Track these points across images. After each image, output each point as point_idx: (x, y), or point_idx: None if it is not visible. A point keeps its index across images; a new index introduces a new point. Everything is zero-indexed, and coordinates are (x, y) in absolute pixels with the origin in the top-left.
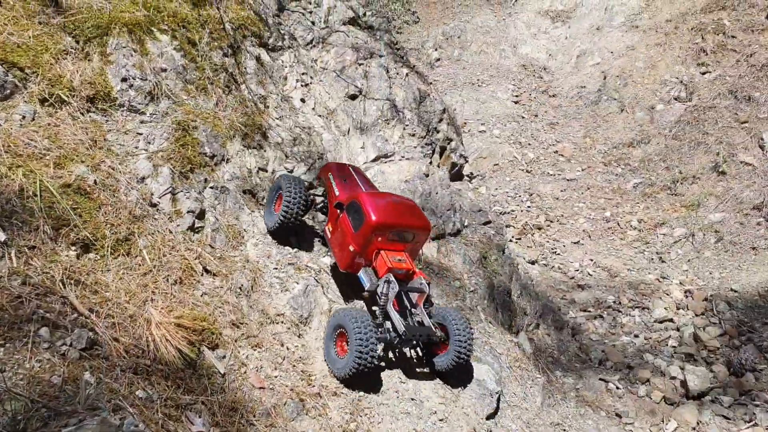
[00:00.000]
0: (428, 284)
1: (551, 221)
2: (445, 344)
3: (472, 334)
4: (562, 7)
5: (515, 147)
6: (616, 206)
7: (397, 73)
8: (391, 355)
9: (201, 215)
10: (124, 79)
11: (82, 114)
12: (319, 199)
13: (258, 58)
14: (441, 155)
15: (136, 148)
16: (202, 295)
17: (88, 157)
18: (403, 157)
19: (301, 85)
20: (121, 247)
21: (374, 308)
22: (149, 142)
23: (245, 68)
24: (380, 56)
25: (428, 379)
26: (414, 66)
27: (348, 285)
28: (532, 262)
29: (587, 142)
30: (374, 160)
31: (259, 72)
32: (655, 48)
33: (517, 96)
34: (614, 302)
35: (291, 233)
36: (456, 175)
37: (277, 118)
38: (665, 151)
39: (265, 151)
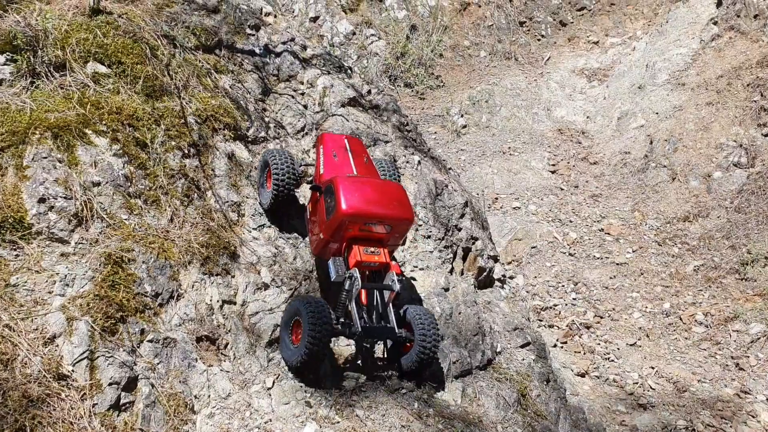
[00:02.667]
0: (401, 280)
1: (601, 317)
2: (410, 343)
3: (438, 330)
4: (598, 65)
5: (555, 225)
6: (675, 295)
7: (407, 162)
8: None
9: (131, 385)
10: (42, 200)
11: None
12: (311, 170)
13: (231, 156)
14: (464, 259)
15: (50, 293)
16: None
17: None
18: (415, 267)
19: None
20: None
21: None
22: (67, 285)
23: (213, 170)
24: (386, 142)
25: None
26: (429, 150)
27: None
28: (582, 374)
29: (636, 217)
30: None
31: (232, 172)
32: (707, 108)
33: (553, 165)
34: (687, 429)
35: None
36: (485, 281)
37: (255, 229)
38: (728, 227)
39: (233, 277)
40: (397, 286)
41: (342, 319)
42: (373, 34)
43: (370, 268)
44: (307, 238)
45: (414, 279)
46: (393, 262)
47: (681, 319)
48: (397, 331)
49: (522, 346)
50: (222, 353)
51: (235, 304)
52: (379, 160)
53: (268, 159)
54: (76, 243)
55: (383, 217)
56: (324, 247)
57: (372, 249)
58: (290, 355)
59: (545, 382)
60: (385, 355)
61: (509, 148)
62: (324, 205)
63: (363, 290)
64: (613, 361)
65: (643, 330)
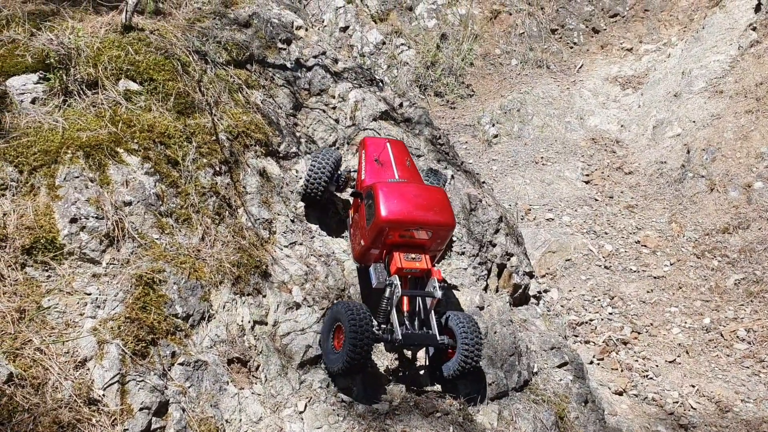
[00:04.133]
0: (443, 287)
1: (638, 333)
2: (453, 350)
3: (481, 338)
4: (632, 72)
5: (589, 237)
6: (715, 310)
7: None
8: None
9: (162, 410)
10: (74, 220)
11: (15, 270)
12: (354, 175)
13: (263, 172)
14: (499, 276)
15: (81, 315)
16: None
17: (8, 338)
18: (449, 284)
19: None
20: None
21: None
22: (98, 307)
23: (244, 187)
24: (419, 156)
25: None
26: (462, 163)
27: None
28: (620, 393)
29: (674, 229)
30: None
31: (263, 189)
32: (746, 116)
33: (587, 175)
34: None
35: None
36: (520, 298)
37: (286, 246)
38: None
39: (264, 296)
40: (438, 293)
41: (383, 326)
42: (403, 44)
43: (411, 274)
44: (337, 252)
45: (448, 297)
46: (435, 268)
47: (722, 335)
48: (439, 338)
49: (559, 366)
50: (253, 375)
51: (266, 324)
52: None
53: (313, 154)
54: (107, 263)
55: (423, 222)
56: (365, 253)
57: (413, 255)
58: (332, 362)
59: (583, 404)
60: (427, 363)
61: (542, 157)
62: (365, 212)
63: (405, 297)
64: (651, 378)
65: (683, 346)
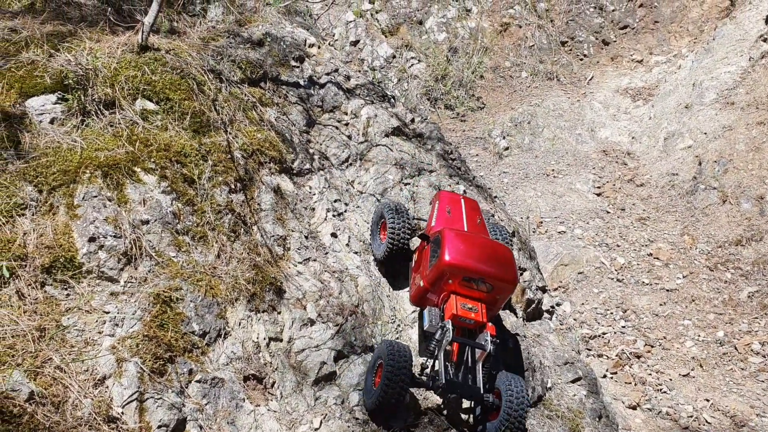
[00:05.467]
0: (495, 342)
1: (652, 346)
2: (497, 411)
3: (527, 402)
4: (643, 84)
5: (602, 250)
6: (729, 323)
7: (452, 192)
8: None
9: (179, 427)
10: (92, 239)
11: (35, 289)
12: (423, 224)
13: (277, 189)
14: None
15: (100, 333)
16: None
17: (28, 356)
18: None
19: (333, 215)
20: None
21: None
22: (117, 325)
23: (259, 204)
24: (431, 171)
25: None
26: (474, 178)
27: None
28: (634, 407)
29: (686, 241)
30: None
31: (277, 206)
32: (758, 127)
33: (599, 187)
34: None
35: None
36: (533, 313)
37: (300, 263)
38: None
39: (279, 313)
40: (489, 347)
41: (427, 370)
42: (413, 57)
43: (465, 324)
44: (350, 268)
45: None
46: (489, 323)
47: (736, 348)
48: (484, 394)
49: (573, 381)
50: (269, 392)
51: (281, 341)
52: (495, 224)
53: (383, 211)
54: (125, 282)
55: (484, 274)
56: (422, 295)
57: (470, 305)
58: (368, 397)
59: (597, 419)
60: (475, 417)
61: (553, 170)
62: (429, 255)
63: (455, 344)
64: (665, 392)
65: (697, 360)
